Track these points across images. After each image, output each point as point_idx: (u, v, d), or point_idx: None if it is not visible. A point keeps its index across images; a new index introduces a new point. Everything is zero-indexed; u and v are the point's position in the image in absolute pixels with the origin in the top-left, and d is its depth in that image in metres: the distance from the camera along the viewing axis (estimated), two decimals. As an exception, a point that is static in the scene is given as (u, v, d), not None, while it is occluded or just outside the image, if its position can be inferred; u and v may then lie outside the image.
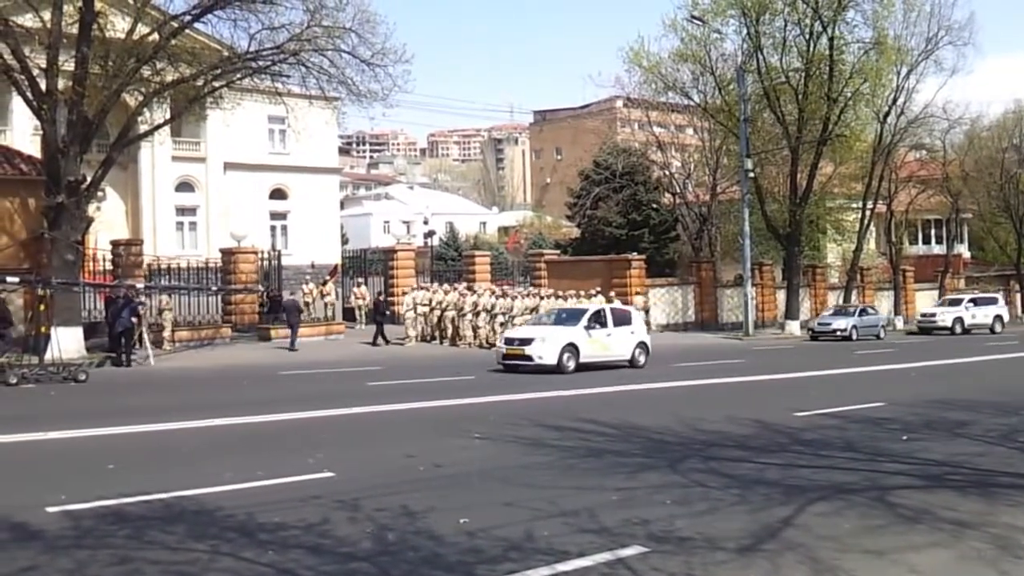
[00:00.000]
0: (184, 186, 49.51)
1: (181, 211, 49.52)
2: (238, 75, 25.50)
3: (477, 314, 29.39)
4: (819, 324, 38.77)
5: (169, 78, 24.68)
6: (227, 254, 30.73)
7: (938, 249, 60.31)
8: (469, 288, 31.26)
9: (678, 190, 48.22)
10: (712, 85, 40.79)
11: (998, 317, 44.00)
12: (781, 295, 41.80)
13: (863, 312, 40.36)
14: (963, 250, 64.04)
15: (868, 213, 45.96)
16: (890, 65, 40.56)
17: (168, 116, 26.79)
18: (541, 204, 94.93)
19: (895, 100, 43.38)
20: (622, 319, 23.46)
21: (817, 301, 45.78)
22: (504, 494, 8.33)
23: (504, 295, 30.17)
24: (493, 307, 29.25)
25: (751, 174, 38.74)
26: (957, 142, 53.94)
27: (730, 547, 6.75)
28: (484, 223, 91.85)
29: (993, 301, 45.63)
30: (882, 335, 39.14)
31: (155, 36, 23.44)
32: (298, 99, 29.12)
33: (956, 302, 45.04)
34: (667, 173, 48.69)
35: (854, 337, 36.84)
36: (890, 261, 52.52)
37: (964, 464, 10.13)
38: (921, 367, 24.10)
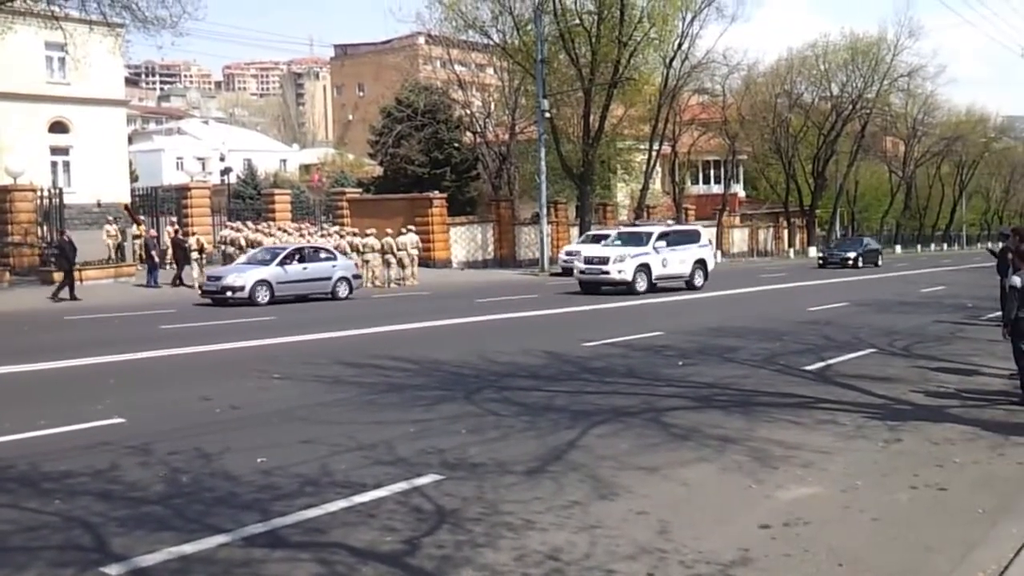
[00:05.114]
0: (-51, 117, 44.98)
1: (-54, 145, 45.04)
2: (6, -4, 23.45)
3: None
4: (210, 279, 23.85)
5: (-76, -4, 22.36)
6: (2, 192, 28.54)
7: (717, 188, 64.10)
8: (281, 228, 30.59)
9: (479, 129, 48.65)
10: (511, 25, 41.32)
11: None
12: (575, 232, 43.25)
13: (304, 258, 24.44)
14: (739, 189, 68.40)
15: (654, 154, 48.34)
16: (676, 11, 42.55)
17: (-75, 39, 24.36)
18: (343, 141, 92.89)
19: (680, 46, 45.62)
20: None
21: (607, 238, 47.67)
22: (302, 432, 8.40)
23: (306, 235, 29.69)
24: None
25: (547, 114, 39.76)
26: (735, 87, 57.59)
27: (519, 470, 7.15)
28: (284, 160, 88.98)
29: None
30: (342, 292, 24.43)
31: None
32: (77, 24, 27.09)
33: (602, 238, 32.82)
34: (468, 112, 48.96)
35: (258, 301, 22.60)
36: (673, 200, 55.56)
37: (731, 386, 11.06)
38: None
